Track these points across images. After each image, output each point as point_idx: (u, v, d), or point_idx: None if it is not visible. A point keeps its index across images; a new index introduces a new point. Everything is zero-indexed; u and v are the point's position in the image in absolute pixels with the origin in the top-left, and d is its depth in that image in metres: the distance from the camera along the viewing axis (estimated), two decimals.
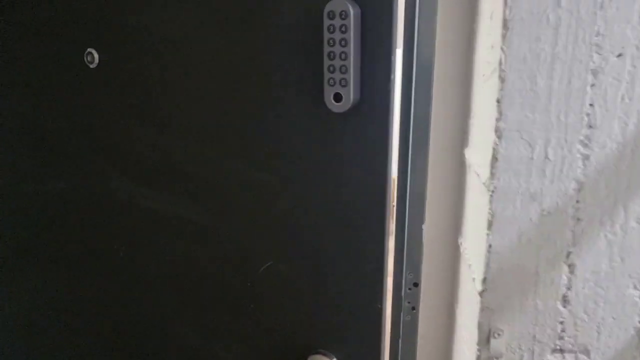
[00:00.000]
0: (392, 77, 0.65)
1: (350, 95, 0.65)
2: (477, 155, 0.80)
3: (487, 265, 0.76)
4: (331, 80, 0.66)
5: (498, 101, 0.71)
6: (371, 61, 0.65)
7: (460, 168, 0.91)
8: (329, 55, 0.65)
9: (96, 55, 0.87)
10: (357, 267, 0.75)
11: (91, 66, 0.88)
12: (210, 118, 0.78)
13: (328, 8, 0.63)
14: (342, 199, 0.72)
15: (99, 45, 0.86)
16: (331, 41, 0.64)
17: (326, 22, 0.64)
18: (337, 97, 0.66)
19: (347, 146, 0.69)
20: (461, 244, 0.91)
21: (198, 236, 0.85)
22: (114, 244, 0.93)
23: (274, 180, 0.76)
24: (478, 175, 0.79)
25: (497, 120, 0.71)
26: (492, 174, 0.73)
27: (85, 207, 0.94)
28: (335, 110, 0.67)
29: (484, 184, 0.76)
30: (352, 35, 0.63)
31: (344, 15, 0.62)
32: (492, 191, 0.73)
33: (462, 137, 0.91)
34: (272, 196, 0.77)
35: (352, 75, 0.65)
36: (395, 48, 0.64)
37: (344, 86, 0.65)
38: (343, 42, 0.64)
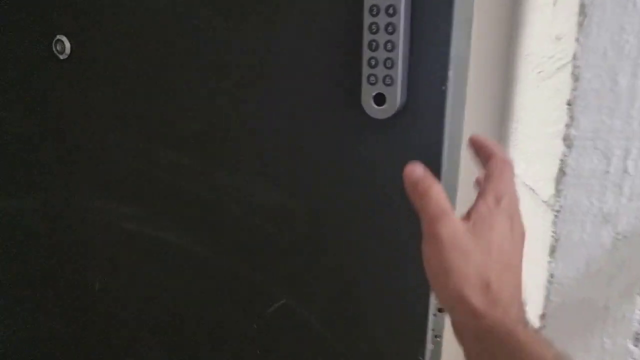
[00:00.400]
0: (449, 74, 0.52)
1: (397, 96, 0.51)
2: (531, 167, 0.68)
3: (547, 298, 0.64)
4: (372, 78, 0.52)
5: (569, 104, 0.58)
6: (424, 53, 0.52)
7: None
8: (370, 45, 0.51)
9: (67, 44, 0.71)
10: (395, 312, 0.61)
11: (61, 57, 0.72)
12: (211, 123, 0.64)
13: None
14: (378, 228, 0.59)
15: (70, 32, 0.70)
16: (374, 27, 0.50)
17: (368, 1, 0.50)
18: (379, 100, 0.52)
19: (387, 163, 0.56)
20: None
21: (194, 267, 0.70)
22: (88, 275, 0.78)
23: (291, 202, 0.62)
24: (533, 190, 0.66)
25: (568, 126, 0.58)
26: (558, 191, 0.60)
27: (55, 229, 0.78)
28: (375, 116, 0.53)
29: (545, 202, 0.63)
30: (402, 19, 0.49)
31: None
32: (557, 211, 0.61)
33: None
34: (288, 220, 0.63)
35: (400, 71, 0.51)
36: (452, 36, 0.51)
37: (388, 85, 0.51)
38: (390, 28, 0.50)
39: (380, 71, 0.51)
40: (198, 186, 0.66)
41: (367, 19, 0.50)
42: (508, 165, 0.45)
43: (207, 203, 0.66)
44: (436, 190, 0.41)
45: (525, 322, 0.39)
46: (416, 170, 0.43)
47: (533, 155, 0.67)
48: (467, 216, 0.41)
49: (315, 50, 0.56)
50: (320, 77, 0.57)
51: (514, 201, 0.43)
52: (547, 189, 0.62)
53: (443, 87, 0.52)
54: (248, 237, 0.66)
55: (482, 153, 0.47)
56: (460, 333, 0.40)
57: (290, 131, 0.60)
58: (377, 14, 0.50)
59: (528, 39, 0.69)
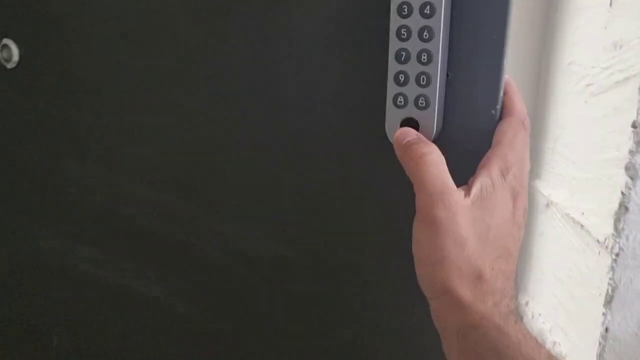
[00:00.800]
0: (499, 95, 0.40)
1: (433, 123, 0.40)
2: (579, 198, 0.57)
3: (601, 356, 0.53)
4: (400, 99, 0.40)
5: (635, 126, 0.47)
6: (468, 66, 0.40)
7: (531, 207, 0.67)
8: (398, 55, 0.39)
9: (15, 50, 0.58)
10: None
11: (8, 66, 0.59)
12: (195, 152, 0.51)
13: None
14: (402, 289, 0.47)
15: (18, 35, 0.57)
16: (403, 32, 0.39)
17: (395, 3, 0.38)
18: (409, 126, 0.41)
19: None
20: (531, 311, 0.68)
21: (169, 322, 0.57)
22: (44, 328, 0.64)
23: (288, 252, 0.50)
24: (582, 226, 0.56)
25: (632, 153, 0.48)
26: (618, 230, 0.50)
27: (2, 273, 0.65)
28: None
29: (600, 242, 0.52)
30: (442, 22, 0.38)
31: None
32: (617, 254, 0.50)
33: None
34: (286, 273, 0.51)
35: (438, 90, 0.39)
36: (507, 47, 0.40)
37: (422, 108, 0.40)
38: (426, 35, 0.38)
39: (412, 90, 0.40)
40: (175, 231, 0.53)
41: (395, 22, 0.39)
42: (524, 129, 0.39)
43: (186, 249, 0.54)
44: (435, 158, 0.36)
45: (516, 316, 0.35)
46: (409, 132, 0.39)
47: (581, 184, 0.56)
48: (468, 189, 0.36)
49: (327, 60, 0.44)
50: (334, 96, 0.45)
51: (522, 174, 0.38)
52: (603, 227, 0.51)
53: (493, 111, 0.41)
54: (234, 292, 0.54)
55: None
56: (442, 326, 0.36)
57: (292, 166, 0.48)
58: (409, 14, 0.38)
59: (570, 46, 0.58)
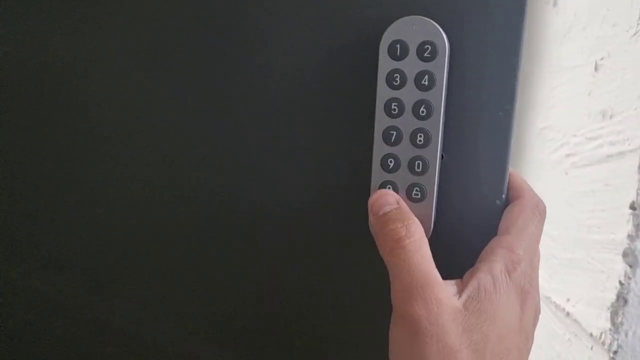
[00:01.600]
0: (505, 182, 0.32)
1: (431, 219, 0.31)
2: (563, 282, 0.51)
3: None
4: (388, 188, 0.31)
5: (633, 207, 0.41)
6: (468, 151, 0.32)
7: None
8: (386, 135, 0.30)
9: None
10: None
11: None
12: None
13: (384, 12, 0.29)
14: None
15: None
16: (394, 106, 0.30)
17: (387, 40, 0.30)
18: None
19: None
20: None
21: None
22: None
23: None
24: (569, 314, 0.49)
25: (632, 238, 0.42)
26: (617, 325, 0.43)
27: None
28: None
29: (593, 336, 0.46)
30: (443, 96, 0.29)
31: (426, 28, 0.29)
32: (615, 352, 0.44)
33: None
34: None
35: (437, 179, 0.31)
36: (514, 125, 0.32)
37: (416, 200, 0.31)
38: (423, 111, 0.29)
39: (403, 178, 0.31)
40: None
41: (384, 94, 0.30)
42: (538, 214, 0.32)
43: None
44: (416, 242, 0.28)
45: None
46: (388, 199, 0.30)
47: (564, 265, 0.50)
48: (461, 287, 0.29)
49: (300, 134, 0.34)
50: (316, 179, 0.35)
51: (533, 270, 0.31)
52: (597, 320, 0.45)
53: (498, 202, 0.33)
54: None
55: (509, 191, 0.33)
56: None
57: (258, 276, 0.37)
58: (402, 56, 0.29)
59: (545, 109, 0.53)
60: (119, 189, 0.37)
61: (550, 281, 0.52)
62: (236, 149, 0.35)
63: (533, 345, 0.32)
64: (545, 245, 0.53)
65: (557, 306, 0.51)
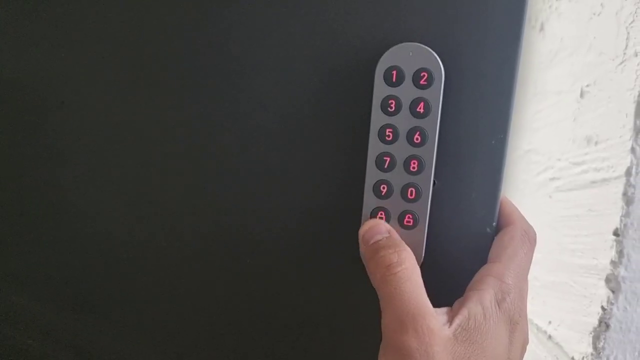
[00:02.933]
0: (496, 209, 0.32)
1: (422, 246, 0.31)
2: (544, 304, 0.51)
3: None
4: (380, 215, 0.31)
5: (617, 234, 0.42)
6: (460, 178, 0.32)
7: None
8: (379, 161, 0.30)
9: None
10: None
11: None
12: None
13: (379, 35, 0.29)
14: None
15: None
16: (388, 133, 0.30)
17: (383, 66, 0.29)
18: None
19: None
20: None
21: None
22: None
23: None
24: (550, 337, 0.49)
25: (615, 264, 0.42)
26: (598, 349, 0.44)
27: None
28: None
29: (574, 359, 0.46)
30: (437, 123, 0.29)
31: (422, 55, 0.29)
32: None
33: None
34: None
35: (428, 207, 0.30)
36: (507, 153, 0.32)
37: (408, 227, 0.31)
38: (417, 138, 0.29)
39: (396, 203, 0.31)
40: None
41: (378, 120, 0.30)
42: (528, 241, 0.32)
43: None
44: (408, 270, 0.28)
45: None
46: (379, 228, 0.30)
47: (546, 287, 0.50)
48: (451, 316, 0.29)
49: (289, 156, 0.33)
50: (308, 205, 0.34)
51: (522, 300, 0.31)
52: (579, 345, 0.45)
53: (488, 229, 0.33)
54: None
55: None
56: None
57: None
58: (399, 81, 0.29)
59: (530, 132, 0.53)
60: (102, 211, 0.36)
61: (533, 303, 0.52)
62: (227, 173, 0.34)
63: None
64: None
65: (538, 328, 0.51)
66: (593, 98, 0.45)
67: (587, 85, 0.45)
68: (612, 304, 0.43)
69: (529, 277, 0.52)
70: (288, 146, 0.33)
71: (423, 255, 0.31)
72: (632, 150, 0.40)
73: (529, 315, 0.52)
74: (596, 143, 0.44)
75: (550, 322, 0.50)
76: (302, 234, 0.34)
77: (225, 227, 0.35)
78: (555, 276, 0.49)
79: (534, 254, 0.48)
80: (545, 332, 0.50)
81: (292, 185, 0.33)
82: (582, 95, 0.46)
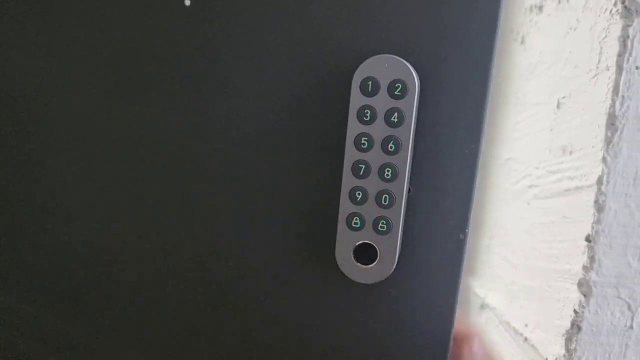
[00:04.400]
0: (469, 215, 0.34)
1: (396, 251, 0.32)
2: (521, 307, 0.52)
3: None
4: (355, 221, 0.32)
5: (589, 240, 0.43)
6: (440, 179, 0.33)
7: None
8: (355, 168, 0.31)
9: None
10: None
11: None
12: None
13: (356, 46, 0.31)
14: None
15: None
16: (364, 141, 0.31)
17: (359, 77, 0.31)
18: (366, 254, 0.33)
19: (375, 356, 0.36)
20: None
21: None
22: None
23: None
24: (527, 340, 0.51)
25: (586, 269, 0.44)
26: (570, 351, 0.45)
27: None
28: (358, 279, 0.33)
29: None
30: (411, 132, 0.31)
31: (397, 67, 0.30)
32: None
33: None
34: None
35: (402, 211, 0.32)
36: (479, 161, 0.34)
37: (382, 232, 0.32)
38: (392, 147, 0.31)
39: (370, 210, 0.32)
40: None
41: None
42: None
43: None
44: None
45: None
46: None
47: (523, 291, 0.52)
48: None
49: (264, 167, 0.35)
50: (275, 214, 0.35)
51: None
52: (552, 346, 0.47)
53: (461, 236, 0.34)
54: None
55: None
56: None
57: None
58: (373, 91, 0.31)
59: (511, 141, 0.55)
60: (90, 212, 0.37)
61: (511, 307, 0.54)
62: (208, 178, 0.35)
63: None
64: (507, 272, 0.55)
65: (515, 331, 0.52)
66: (568, 109, 0.46)
67: (564, 97, 0.47)
68: (583, 307, 0.44)
69: (508, 281, 0.54)
70: (268, 153, 0.34)
71: (396, 260, 0.33)
72: (604, 159, 0.42)
73: (507, 319, 0.53)
74: (571, 152, 0.46)
75: (526, 325, 0.51)
76: (283, 237, 0.36)
77: (207, 230, 0.36)
78: (532, 281, 0.51)
79: (513, 260, 0.50)
80: (521, 334, 0.52)
81: (272, 189, 0.35)
82: (558, 106, 0.47)
